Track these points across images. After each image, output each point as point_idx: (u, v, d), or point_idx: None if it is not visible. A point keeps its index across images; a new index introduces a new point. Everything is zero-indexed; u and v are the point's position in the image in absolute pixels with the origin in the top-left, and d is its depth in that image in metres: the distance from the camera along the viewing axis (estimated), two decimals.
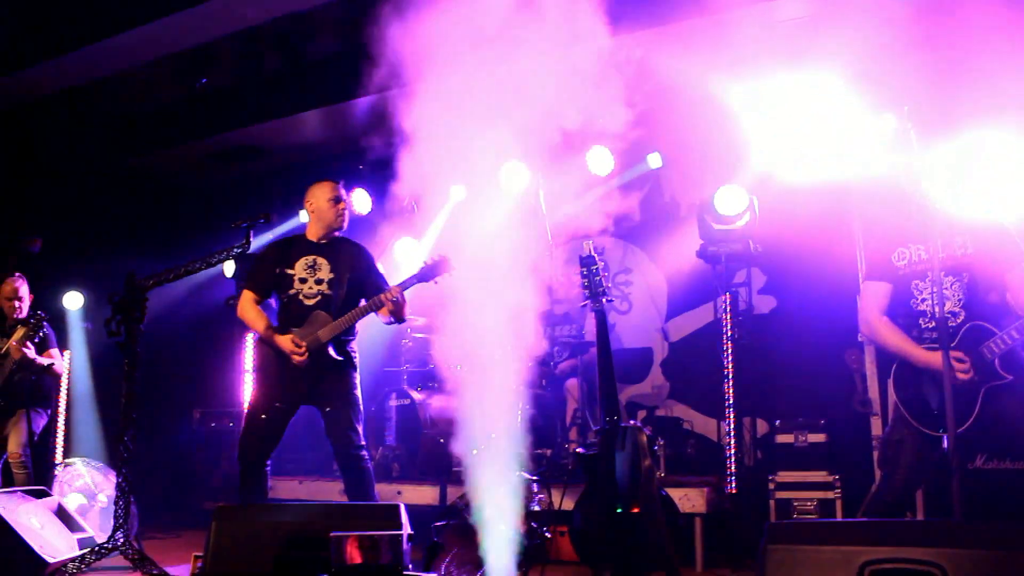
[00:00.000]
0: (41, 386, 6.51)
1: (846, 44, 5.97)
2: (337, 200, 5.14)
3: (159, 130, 8.42)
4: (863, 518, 4.02)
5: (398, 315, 4.92)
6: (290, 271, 5.05)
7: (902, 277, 3.93)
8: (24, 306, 6.62)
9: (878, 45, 5.81)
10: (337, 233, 5.20)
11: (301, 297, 4.99)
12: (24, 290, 6.64)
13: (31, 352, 6.30)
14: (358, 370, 5.07)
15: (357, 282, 5.02)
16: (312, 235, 5.16)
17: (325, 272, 5.01)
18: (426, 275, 4.86)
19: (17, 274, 6.73)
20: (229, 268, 7.90)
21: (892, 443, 3.90)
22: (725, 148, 7.06)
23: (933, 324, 3.76)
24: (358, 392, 4.99)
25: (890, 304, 4.00)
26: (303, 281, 5.02)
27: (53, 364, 6.51)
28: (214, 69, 7.25)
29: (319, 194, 5.17)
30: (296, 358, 4.83)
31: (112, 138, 8.47)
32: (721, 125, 7.02)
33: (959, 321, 3.79)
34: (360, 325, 5.09)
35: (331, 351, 4.86)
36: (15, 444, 6.32)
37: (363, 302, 4.98)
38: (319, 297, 4.97)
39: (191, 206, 9.22)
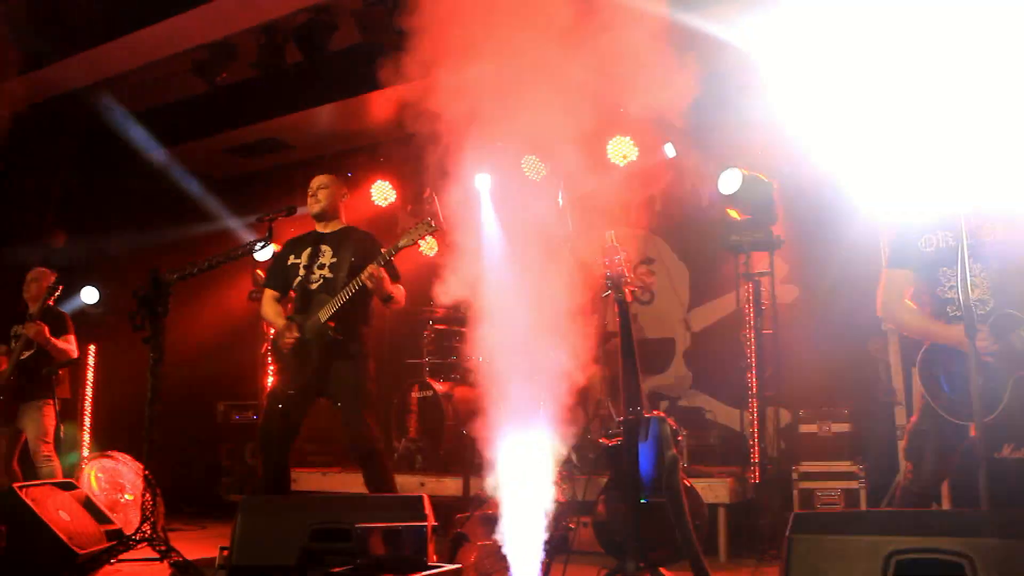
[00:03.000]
0: (56, 376, 6.54)
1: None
2: (310, 193, 5.25)
3: (179, 124, 8.46)
4: (890, 508, 3.99)
5: (379, 292, 4.90)
6: (297, 260, 5.18)
7: (928, 264, 3.89)
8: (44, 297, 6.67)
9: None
10: (344, 222, 5.30)
11: (306, 283, 5.09)
12: (51, 282, 6.70)
13: (46, 331, 6.35)
14: (369, 359, 5.07)
15: (360, 266, 5.02)
16: (318, 226, 5.28)
17: (328, 257, 5.10)
18: (409, 241, 4.90)
19: (42, 267, 6.81)
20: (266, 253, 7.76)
21: (918, 433, 3.86)
22: (747, 137, 7.03)
23: (960, 313, 3.71)
24: (369, 383, 5.00)
25: (915, 291, 3.96)
26: (307, 268, 5.11)
27: (71, 352, 6.56)
28: (234, 63, 7.26)
29: None
30: (281, 341, 4.95)
31: (130, 134, 8.51)
32: (744, 114, 6.99)
33: (988, 308, 3.74)
34: (378, 316, 5.14)
35: (331, 330, 4.86)
36: (33, 438, 6.37)
37: None
38: (321, 281, 5.05)
39: (212, 200, 9.26)
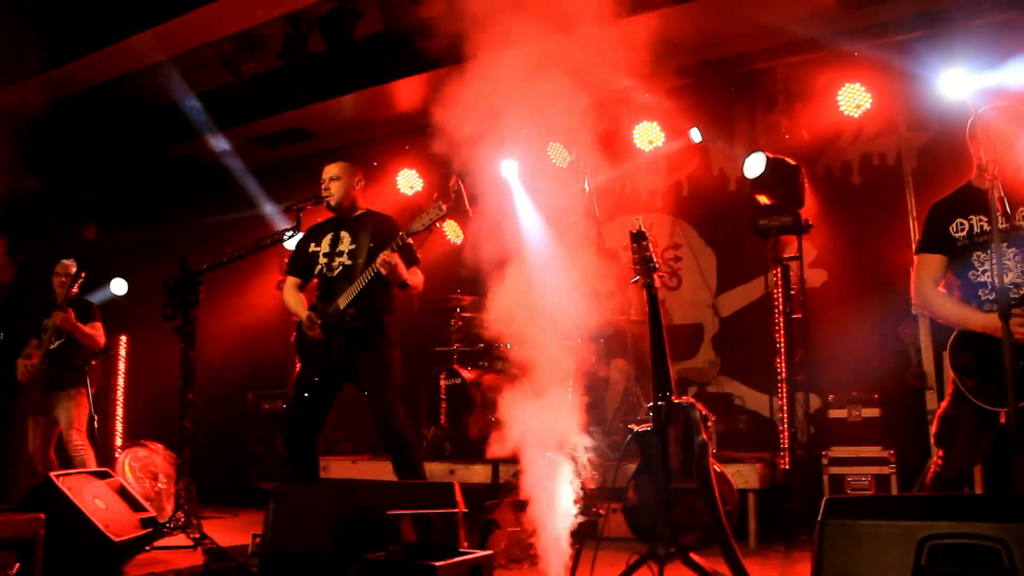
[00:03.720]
0: (87, 364, 6.63)
1: None
2: (322, 185, 5.19)
3: (206, 115, 8.50)
4: (922, 493, 3.96)
5: (393, 278, 4.86)
6: (317, 248, 5.18)
7: (961, 249, 3.85)
8: (74, 289, 6.75)
9: None
10: (360, 206, 5.26)
11: (326, 271, 5.10)
12: (73, 272, 6.79)
13: (72, 317, 6.44)
14: (395, 345, 5.06)
15: (379, 252, 4.98)
16: (337, 213, 5.25)
17: (346, 244, 5.09)
18: (420, 226, 4.84)
19: (71, 259, 6.90)
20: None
21: (949, 418, 3.84)
22: (774, 120, 6.99)
23: (994, 296, 3.68)
24: (396, 371, 5.00)
25: (948, 276, 3.93)
26: (327, 255, 5.11)
27: (98, 338, 6.64)
28: (260, 53, 7.29)
29: None
30: (309, 333, 4.95)
31: (159, 124, 8.57)
32: (770, 96, 6.95)
33: (1022, 293, 3.71)
34: (405, 304, 5.13)
35: (350, 317, 4.87)
36: (66, 427, 6.45)
37: None
38: (340, 268, 5.04)
39: (239, 190, 9.33)
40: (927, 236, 3.96)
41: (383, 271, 4.76)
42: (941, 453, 3.88)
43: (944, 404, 3.91)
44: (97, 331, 6.65)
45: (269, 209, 8.74)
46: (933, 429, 3.95)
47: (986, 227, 3.76)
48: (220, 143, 8.68)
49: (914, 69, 6.10)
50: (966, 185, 3.96)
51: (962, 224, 3.84)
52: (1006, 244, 3.66)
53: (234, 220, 8.76)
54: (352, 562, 3.49)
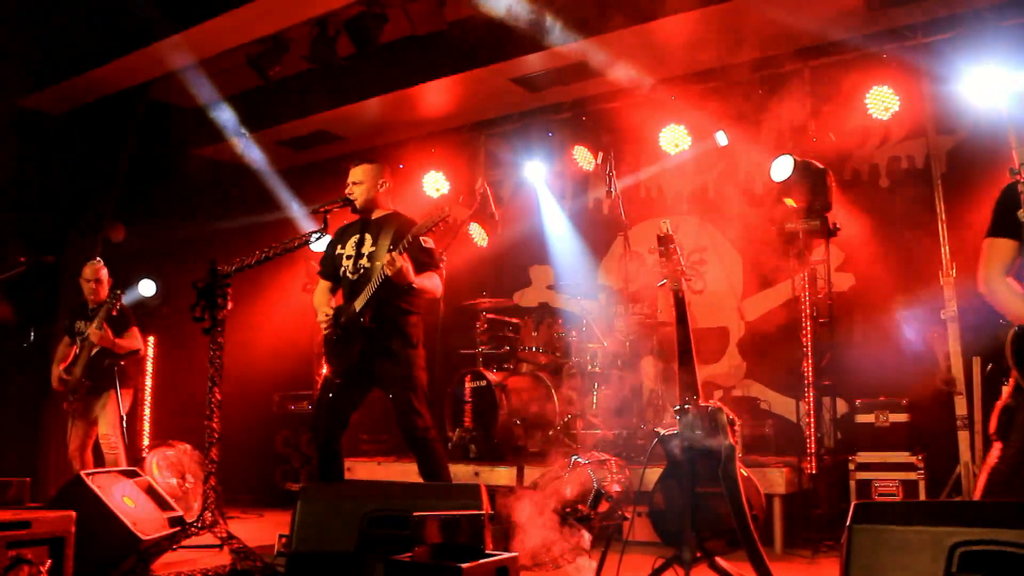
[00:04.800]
0: (125, 367, 6.71)
1: None
2: (347, 189, 5.16)
3: (228, 119, 8.57)
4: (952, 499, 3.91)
5: (400, 280, 4.76)
6: (341, 250, 5.18)
7: None
8: (102, 290, 6.84)
9: None
10: (385, 208, 5.23)
11: (348, 274, 5.10)
12: (103, 274, 6.88)
13: (110, 335, 6.52)
14: (418, 347, 5.04)
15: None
16: (360, 215, 5.23)
17: (368, 246, 5.07)
18: (422, 229, 4.77)
19: (98, 259, 6.98)
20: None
21: (1006, 410, 3.75)
22: (801, 123, 6.95)
23: None
24: (420, 373, 4.98)
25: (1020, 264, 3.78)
26: (349, 258, 5.11)
27: (135, 347, 6.72)
28: (287, 56, 7.34)
29: None
30: (322, 328, 4.98)
31: (186, 128, 8.65)
32: (797, 99, 6.92)
33: None
34: (431, 307, 5.13)
35: (363, 319, 4.85)
36: (106, 426, 6.54)
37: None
38: (361, 271, 5.03)
39: (266, 192, 9.41)
40: (997, 219, 3.69)
41: (388, 272, 4.73)
42: (1000, 445, 3.80)
43: (1005, 395, 3.84)
44: (134, 338, 6.76)
45: (296, 212, 8.80)
46: (993, 421, 3.88)
47: None
48: (247, 146, 8.75)
49: (943, 71, 6.05)
50: None
51: None
52: None
53: (262, 222, 8.82)
54: (378, 562, 3.50)
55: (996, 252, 3.68)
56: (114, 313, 6.57)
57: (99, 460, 6.52)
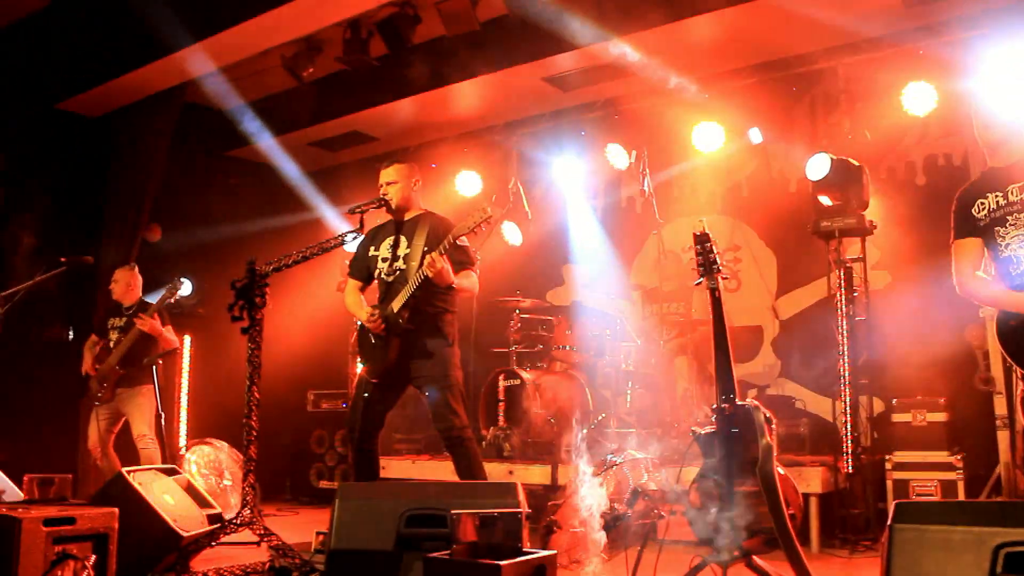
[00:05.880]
0: (155, 362, 6.78)
1: None
2: (380, 190, 5.16)
3: (268, 120, 8.64)
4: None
5: (440, 280, 4.79)
6: (376, 252, 5.19)
7: (984, 228, 3.83)
8: (133, 293, 6.97)
9: None
10: (417, 208, 5.24)
11: (383, 275, 5.10)
12: (135, 278, 7.03)
13: (158, 324, 6.63)
14: (453, 346, 5.05)
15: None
16: (395, 216, 5.23)
17: (403, 248, 5.07)
18: (463, 229, 4.76)
19: (132, 263, 7.15)
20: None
21: None
22: (836, 121, 6.91)
23: (1022, 269, 3.65)
24: (455, 372, 4.98)
25: (988, 258, 3.90)
26: (384, 260, 5.12)
27: (175, 343, 6.81)
28: (320, 58, 7.40)
29: None
30: (371, 325, 4.95)
31: (222, 129, 8.74)
32: (832, 96, 6.87)
33: None
34: (466, 306, 5.13)
35: (401, 320, 4.87)
36: (143, 425, 6.58)
37: None
38: (396, 273, 5.03)
39: (301, 192, 9.50)
40: (957, 222, 3.95)
41: (429, 274, 4.76)
42: None
43: (1021, 389, 3.88)
44: (172, 334, 6.83)
45: (329, 213, 8.86)
46: (1019, 415, 3.89)
47: (1002, 201, 3.75)
48: (278, 156, 8.85)
49: (982, 67, 5.98)
50: (987, 170, 3.95)
51: (982, 203, 3.83)
52: None
53: (296, 223, 8.89)
54: (416, 560, 3.52)
55: (964, 252, 3.88)
56: (171, 301, 6.65)
57: (130, 459, 6.56)
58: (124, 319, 6.84)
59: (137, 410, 6.66)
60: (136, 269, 7.12)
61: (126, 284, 6.98)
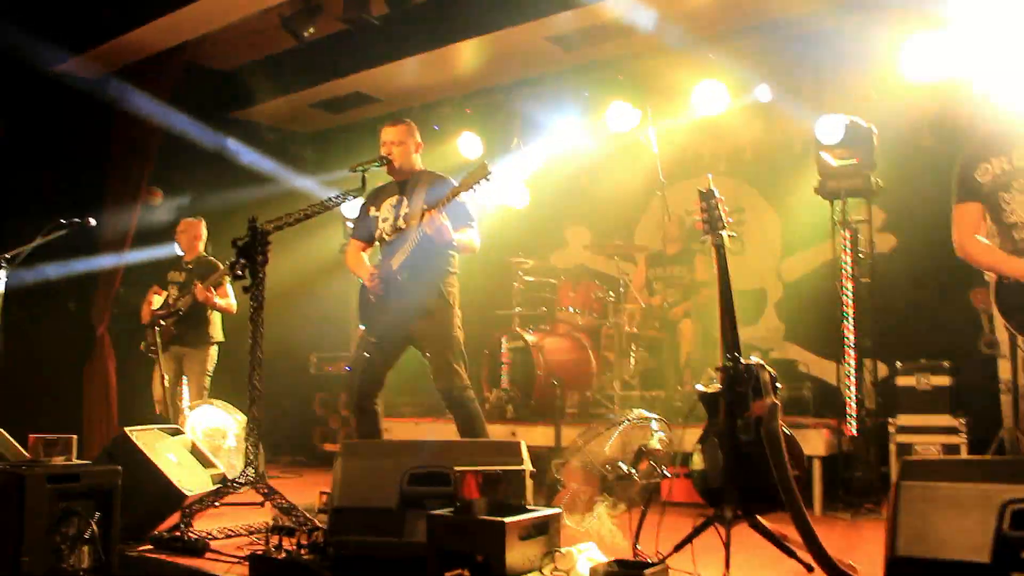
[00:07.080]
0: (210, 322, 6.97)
1: None
2: (382, 149, 5.12)
3: (268, 81, 8.56)
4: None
5: (439, 238, 4.74)
6: (376, 213, 5.16)
7: (988, 194, 3.79)
8: (196, 247, 7.10)
9: None
10: (418, 168, 5.20)
11: (384, 236, 5.08)
12: (201, 234, 7.18)
13: (213, 297, 6.74)
14: (454, 306, 5.03)
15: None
16: (395, 177, 5.20)
17: (403, 207, 5.05)
18: (465, 186, 4.71)
19: (190, 219, 7.25)
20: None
21: None
22: (841, 81, 6.82)
23: None
24: (456, 332, 4.98)
25: (989, 224, 3.88)
26: (385, 220, 5.10)
27: (230, 302, 6.95)
28: (321, 17, 7.30)
29: None
30: (371, 284, 4.94)
31: (219, 91, 8.66)
32: (838, 56, 6.77)
33: None
34: (467, 267, 5.12)
35: (400, 278, 4.85)
36: (196, 391, 6.82)
37: None
38: (397, 232, 5.01)
39: (302, 153, 9.44)
40: (960, 185, 3.92)
41: (428, 231, 4.72)
42: None
43: None
44: (228, 296, 6.94)
45: (322, 177, 8.83)
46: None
47: (1006, 166, 3.72)
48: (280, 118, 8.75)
49: (993, 25, 5.88)
50: (992, 132, 3.94)
51: (986, 168, 3.79)
52: None
53: (299, 186, 8.83)
54: (420, 518, 3.52)
55: (964, 216, 3.88)
56: (229, 278, 6.71)
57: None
58: (184, 275, 6.94)
59: (193, 374, 6.90)
60: (203, 221, 7.18)
61: (193, 236, 7.02)
